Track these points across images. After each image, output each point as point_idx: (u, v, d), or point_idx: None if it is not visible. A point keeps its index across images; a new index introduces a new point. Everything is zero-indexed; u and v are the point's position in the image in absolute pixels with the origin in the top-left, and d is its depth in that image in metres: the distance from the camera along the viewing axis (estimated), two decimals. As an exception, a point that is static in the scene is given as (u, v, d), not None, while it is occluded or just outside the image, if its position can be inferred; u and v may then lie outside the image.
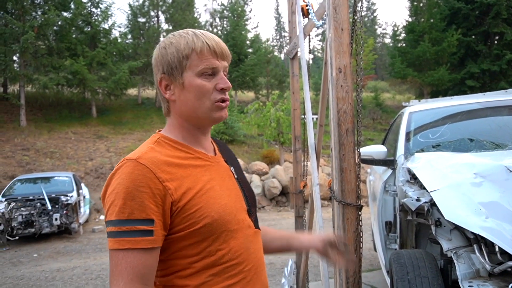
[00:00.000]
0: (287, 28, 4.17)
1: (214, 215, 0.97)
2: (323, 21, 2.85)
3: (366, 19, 45.98)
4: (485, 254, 1.72)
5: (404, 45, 24.17)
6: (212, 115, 1.04)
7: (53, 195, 8.70)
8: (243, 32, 23.44)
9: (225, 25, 25.67)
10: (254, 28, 43.09)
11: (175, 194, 0.94)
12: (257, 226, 1.12)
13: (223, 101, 1.04)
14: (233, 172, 1.12)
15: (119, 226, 0.90)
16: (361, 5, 2.27)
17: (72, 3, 18.59)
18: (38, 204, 8.38)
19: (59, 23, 17.84)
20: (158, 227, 0.92)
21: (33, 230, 8.05)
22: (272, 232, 1.33)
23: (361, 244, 2.23)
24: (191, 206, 0.96)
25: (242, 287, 1.02)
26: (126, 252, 0.90)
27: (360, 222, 2.23)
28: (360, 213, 2.23)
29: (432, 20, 21.83)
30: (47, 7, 17.27)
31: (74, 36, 18.73)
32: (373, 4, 49.60)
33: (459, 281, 1.71)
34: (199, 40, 1.02)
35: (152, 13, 22.60)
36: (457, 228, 1.93)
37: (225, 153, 1.17)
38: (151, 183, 0.92)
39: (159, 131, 1.09)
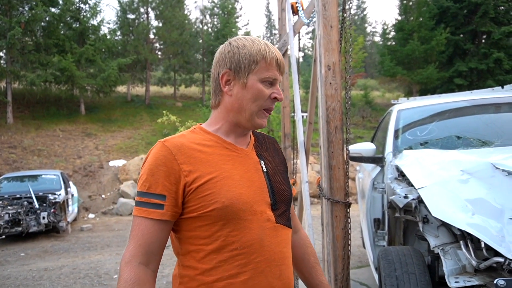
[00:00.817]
0: (277, 26, 4.17)
1: (225, 202, 1.04)
2: (311, 19, 2.85)
3: (356, 17, 46.19)
4: (471, 250, 1.74)
5: (393, 43, 24.34)
6: (255, 119, 1.14)
7: (41, 194, 8.58)
8: (233, 30, 23.36)
9: (215, 22, 25.54)
10: (245, 25, 42.96)
11: (189, 176, 1.05)
12: (281, 222, 1.13)
13: (269, 110, 1.15)
14: (263, 165, 1.17)
15: (140, 197, 1.06)
16: (350, 3, 2.27)
17: (60, -2, 18.34)
18: (25, 202, 8.26)
19: (47, 19, 17.56)
20: (169, 203, 1.04)
21: (20, 229, 7.94)
22: (311, 262, 1.33)
23: (349, 241, 2.24)
24: (204, 190, 1.04)
25: (251, 277, 1.06)
26: (141, 219, 1.05)
27: (349, 219, 2.24)
28: (348, 210, 2.24)
29: (421, 19, 22.01)
30: (34, 3, 16.97)
31: (62, 32, 18.47)
32: (363, 2, 49.79)
33: (446, 277, 1.73)
34: (271, 51, 1.13)
35: (141, 10, 22.40)
36: (444, 224, 1.95)
37: (262, 148, 1.23)
38: (169, 163, 1.05)
39: (200, 124, 1.21)
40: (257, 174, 1.14)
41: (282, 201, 1.16)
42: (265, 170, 1.17)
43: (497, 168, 1.86)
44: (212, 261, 1.05)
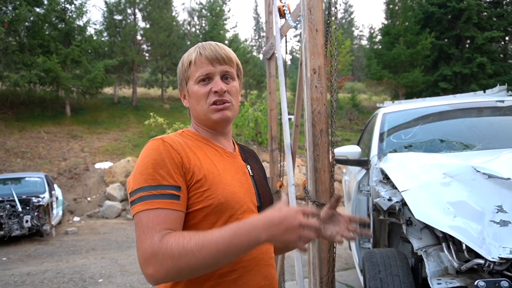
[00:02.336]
0: (265, 29, 4.19)
1: (221, 199, 1.05)
2: (298, 22, 2.87)
3: (343, 21, 46.63)
4: (453, 252, 1.77)
5: (380, 47, 24.65)
6: (211, 117, 1.15)
7: (24, 196, 8.42)
8: (221, 32, 23.36)
9: (203, 24, 25.51)
10: (233, 28, 43.00)
11: (189, 171, 1.05)
12: None
13: (218, 103, 1.14)
14: (249, 169, 1.21)
15: (149, 191, 0.99)
16: (335, 8, 2.29)
17: (45, -2, 18.07)
18: (8, 205, 8.09)
19: (31, 19, 17.26)
20: (183, 194, 1.03)
21: (2, 232, 7.77)
22: None
23: (334, 244, 2.25)
24: (201, 185, 1.05)
25: (240, 275, 1.07)
26: (157, 211, 0.97)
27: (334, 222, 2.25)
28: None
29: (407, 23, 22.36)
30: (18, 2, 16.67)
31: (47, 32, 18.17)
32: (351, 6, 50.42)
33: (428, 278, 1.75)
34: (195, 51, 1.16)
35: (128, 11, 22.21)
36: (427, 227, 1.97)
37: (245, 154, 1.27)
38: (175, 156, 1.04)
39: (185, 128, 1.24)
40: (244, 177, 1.17)
41: (266, 205, 1.19)
42: (251, 174, 1.21)
43: (478, 171, 1.90)
44: None
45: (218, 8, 24.46)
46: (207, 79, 1.14)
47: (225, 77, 1.16)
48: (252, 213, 1.13)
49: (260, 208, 1.15)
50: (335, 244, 2.25)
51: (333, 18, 2.29)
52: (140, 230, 0.96)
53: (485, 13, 22.30)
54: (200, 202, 1.04)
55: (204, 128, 1.19)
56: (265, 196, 1.21)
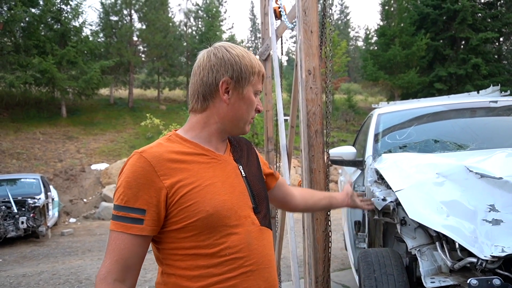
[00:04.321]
0: (261, 30, 4.21)
1: (210, 210, 1.03)
2: (294, 23, 2.89)
3: (339, 22, 46.78)
4: (446, 251, 1.79)
5: (375, 48, 24.75)
6: (246, 126, 1.19)
7: (20, 198, 8.39)
8: (217, 33, 23.36)
9: (199, 26, 25.50)
10: (229, 29, 42.94)
11: (171, 188, 1.01)
12: (264, 224, 1.17)
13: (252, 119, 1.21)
14: (241, 170, 1.18)
15: (117, 211, 1.01)
16: (330, 10, 2.31)
17: (40, -1, 18.02)
18: (3, 207, 8.06)
19: (27, 19, 17.21)
20: (149, 217, 1.00)
21: (-3, 234, 7.75)
22: (318, 193, 1.66)
23: (330, 243, 2.26)
24: (186, 200, 1.02)
25: (242, 280, 1.06)
26: (117, 234, 1.00)
27: (329, 222, 2.26)
28: (329, 213, 2.27)
29: (402, 25, 22.46)
30: (13, 3, 16.60)
31: (42, 33, 18.13)
32: (346, 7, 50.54)
33: (422, 277, 1.77)
34: (262, 66, 1.18)
35: (125, 12, 22.18)
36: (421, 226, 1.99)
37: (237, 153, 1.24)
38: (149, 175, 1.00)
39: (176, 130, 1.18)
40: (237, 179, 1.14)
41: (261, 203, 1.18)
42: (244, 175, 1.18)
43: (471, 171, 1.92)
44: (200, 268, 1.03)
45: (214, 9, 24.48)
46: (257, 95, 1.19)
47: None
48: (248, 218, 1.11)
49: (255, 209, 1.14)
50: (330, 244, 2.26)
51: (328, 19, 2.31)
52: (107, 246, 1.02)
53: (480, 14, 22.45)
54: (187, 218, 1.02)
55: (218, 127, 1.15)
56: (260, 195, 1.19)
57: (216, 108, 1.13)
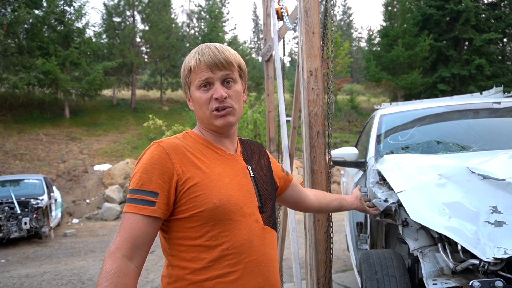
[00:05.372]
0: (263, 31, 4.22)
1: (216, 202, 1.08)
2: (295, 24, 2.89)
3: (342, 23, 46.72)
4: (449, 253, 1.78)
5: (378, 49, 24.70)
6: (213, 123, 1.17)
7: (23, 199, 8.42)
8: (220, 34, 23.38)
9: (202, 27, 25.53)
10: (232, 30, 42.97)
11: (182, 176, 1.08)
12: (268, 224, 1.20)
13: (220, 109, 1.15)
14: (250, 171, 1.22)
15: (132, 194, 1.07)
16: (332, 11, 2.31)
17: (44, 0, 18.06)
18: (7, 207, 8.09)
19: (30, 21, 17.29)
20: (161, 200, 1.06)
21: (0, 234, 7.77)
22: (329, 195, 1.73)
23: (331, 244, 2.26)
24: (195, 190, 1.08)
25: (240, 276, 1.09)
26: (130, 215, 1.05)
27: (331, 223, 2.26)
28: (330, 214, 2.27)
29: (405, 25, 22.40)
30: (17, 4, 16.70)
31: (46, 35, 18.19)
32: (349, 8, 50.48)
33: (424, 279, 1.76)
34: (194, 57, 1.15)
35: (127, 13, 22.23)
36: (423, 228, 1.98)
37: (248, 154, 1.28)
38: (164, 162, 1.07)
39: (190, 129, 1.27)
40: (245, 178, 1.19)
41: (267, 204, 1.22)
42: (252, 175, 1.22)
43: (473, 172, 1.91)
44: (202, 261, 1.07)
45: (217, 10, 24.50)
46: (208, 84, 1.15)
47: (226, 81, 1.16)
48: (253, 216, 1.15)
49: (261, 208, 1.18)
50: (331, 245, 2.26)
51: (330, 20, 2.31)
52: (119, 228, 1.07)
53: (483, 15, 22.37)
54: (195, 207, 1.07)
55: (208, 131, 1.22)
56: (266, 196, 1.23)
57: (196, 116, 1.25)
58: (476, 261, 1.63)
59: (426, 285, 1.74)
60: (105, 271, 0.98)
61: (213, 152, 1.18)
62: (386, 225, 2.57)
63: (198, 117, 1.22)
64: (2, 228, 7.79)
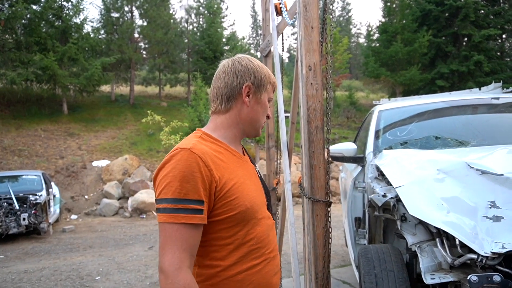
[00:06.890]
0: (262, 26, 4.20)
1: (247, 204, 1.17)
2: (294, 20, 2.87)
3: (341, 18, 46.60)
4: (447, 248, 1.79)
5: (377, 45, 24.64)
6: (259, 129, 1.33)
7: (21, 194, 8.41)
8: (219, 30, 23.28)
9: (200, 22, 25.40)
10: (231, 25, 42.89)
11: (220, 182, 1.13)
12: (274, 218, 1.36)
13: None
14: (257, 171, 1.36)
15: (175, 204, 1.07)
16: (331, 5, 2.30)
17: (41, -4, 17.96)
18: (5, 203, 8.08)
19: (28, 16, 17.17)
20: (206, 207, 1.11)
21: (-1, 230, 7.77)
22: None
23: (330, 239, 2.26)
24: (230, 194, 1.14)
25: (263, 267, 1.22)
26: (180, 225, 1.07)
27: (329, 218, 2.26)
28: (329, 209, 2.27)
29: (404, 21, 22.34)
30: (15, 0, 16.60)
31: (44, 30, 18.06)
32: (348, 4, 50.30)
33: (422, 273, 1.77)
34: (275, 78, 1.34)
35: (126, 9, 22.10)
36: (421, 222, 1.99)
37: (248, 154, 1.39)
38: (203, 169, 1.10)
39: (199, 129, 1.29)
40: (256, 179, 1.31)
41: (269, 200, 1.35)
42: (260, 175, 1.35)
43: (471, 167, 1.92)
44: (233, 257, 1.16)
45: (215, 5, 24.37)
46: (269, 101, 1.33)
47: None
48: (266, 213, 1.27)
49: (268, 206, 1.30)
50: (330, 240, 2.26)
51: (329, 14, 2.30)
52: (164, 239, 1.07)
53: (482, 11, 22.33)
54: (230, 210, 1.14)
55: (239, 128, 1.29)
56: (267, 193, 1.35)
57: (238, 110, 1.27)
58: (474, 256, 1.64)
59: (424, 280, 1.75)
60: (184, 286, 1.03)
61: (232, 155, 1.24)
62: (384, 220, 2.57)
63: (253, 117, 1.28)
64: (0, 224, 7.78)
